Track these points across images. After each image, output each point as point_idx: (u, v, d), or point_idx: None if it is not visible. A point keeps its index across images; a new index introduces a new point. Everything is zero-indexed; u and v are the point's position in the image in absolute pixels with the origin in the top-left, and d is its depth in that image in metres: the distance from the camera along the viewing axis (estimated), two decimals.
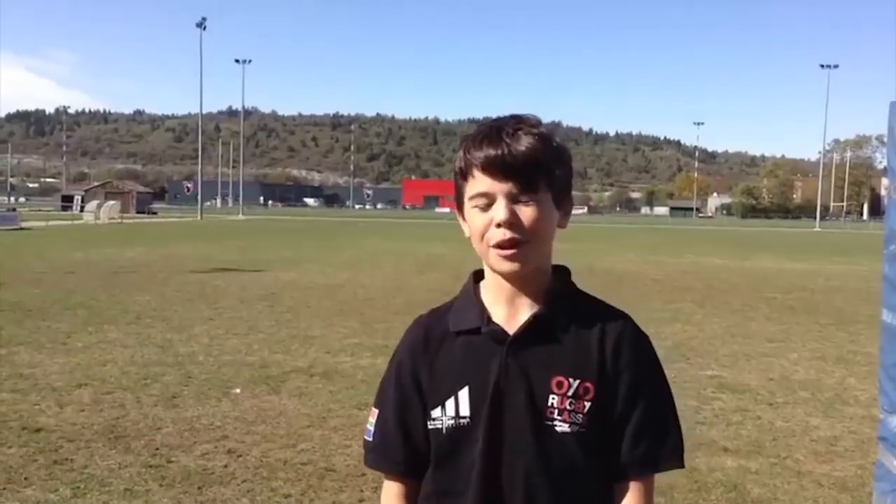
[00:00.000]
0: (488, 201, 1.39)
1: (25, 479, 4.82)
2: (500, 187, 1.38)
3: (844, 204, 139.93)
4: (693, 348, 9.80)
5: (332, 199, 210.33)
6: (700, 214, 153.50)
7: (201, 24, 78.37)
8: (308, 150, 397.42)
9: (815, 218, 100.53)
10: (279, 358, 8.67)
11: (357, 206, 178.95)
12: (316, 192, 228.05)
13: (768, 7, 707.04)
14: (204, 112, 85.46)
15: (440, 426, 1.45)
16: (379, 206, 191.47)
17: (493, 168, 1.38)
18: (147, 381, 7.44)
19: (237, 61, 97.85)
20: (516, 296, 1.46)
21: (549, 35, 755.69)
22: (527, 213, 1.38)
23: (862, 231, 76.93)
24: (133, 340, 9.49)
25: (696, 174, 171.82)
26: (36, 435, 5.68)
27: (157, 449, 5.44)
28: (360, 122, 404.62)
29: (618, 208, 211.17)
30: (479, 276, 1.55)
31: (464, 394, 1.44)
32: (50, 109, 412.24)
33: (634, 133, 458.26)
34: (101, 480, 4.82)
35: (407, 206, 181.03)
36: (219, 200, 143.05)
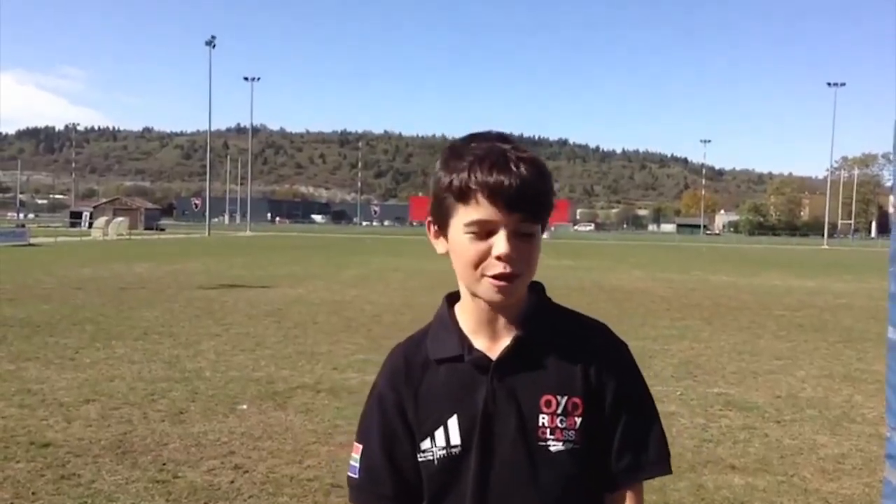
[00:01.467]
0: (488, 230, 1.33)
1: (33, 493, 4.83)
2: (504, 219, 1.32)
3: (852, 221, 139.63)
4: (700, 365, 9.78)
5: (339, 215, 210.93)
6: (707, 231, 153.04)
7: (210, 42, 79.00)
8: (315, 166, 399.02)
9: (822, 235, 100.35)
10: (286, 374, 8.69)
11: (364, 223, 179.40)
12: (323, 208, 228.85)
13: (775, 25, 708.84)
14: (212, 129, 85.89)
15: (431, 457, 1.42)
16: (386, 222, 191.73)
17: (501, 198, 1.31)
18: (154, 396, 7.46)
19: (246, 79, 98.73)
20: (496, 319, 1.44)
21: (557, 53, 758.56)
22: (526, 247, 1.35)
23: (870, 248, 76.68)
24: (140, 356, 9.52)
25: (703, 191, 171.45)
26: (43, 450, 5.70)
27: (164, 464, 5.45)
28: (368, 139, 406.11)
29: (625, 225, 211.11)
30: (451, 299, 1.52)
31: (453, 422, 1.41)
32: (59, 126, 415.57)
33: (641, 150, 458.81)
34: (108, 495, 4.83)
35: (414, 223, 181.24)
36: (226, 217, 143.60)
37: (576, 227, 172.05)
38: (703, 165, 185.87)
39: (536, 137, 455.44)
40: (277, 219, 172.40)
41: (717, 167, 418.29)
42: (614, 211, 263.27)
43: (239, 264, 28.21)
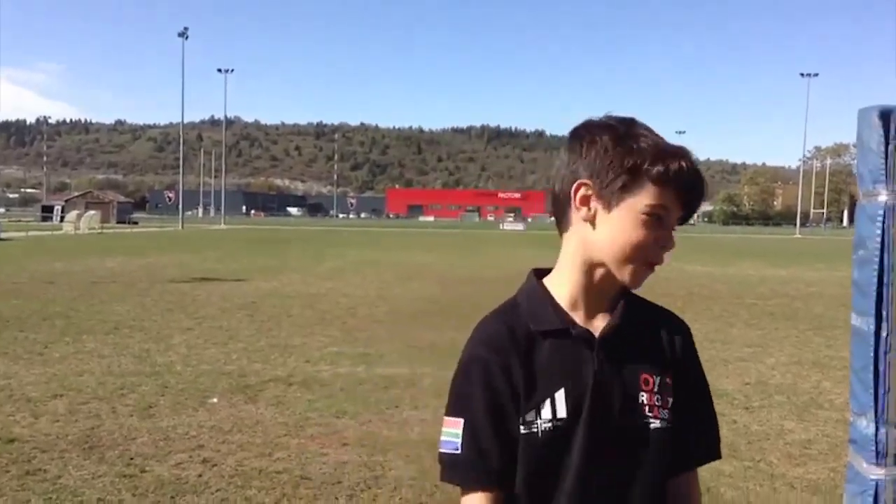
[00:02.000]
0: (661, 219, 1.38)
1: None
2: (676, 213, 1.39)
3: (824, 211, 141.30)
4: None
5: (315, 208, 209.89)
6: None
7: (183, 34, 78.13)
8: (291, 159, 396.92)
9: (795, 225, 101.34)
10: (258, 367, 8.65)
11: (340, 216, 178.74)
12: (299, 201, 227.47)
13: (750, 16, 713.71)
14: (186, 121, 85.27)
15: (535, 430, 1.39)
16: (363, 215, 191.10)
17: (685, 193, 1.38)
18: (123, 391, 7.40)
19: (219, 70, 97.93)
20: (601, 298, 1.47)
21: (533, 46, 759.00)
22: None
23: (841, 237, 77.61)
24: (110, 350, 9.43)
25: None
26: (9, 446, 5.63)
27: (132, 459, 5.41)
28: (344, 131, 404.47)
29: None
30: (538, 274, 1.53)
31: (560, 395, 1.40)
32: (31, 119, 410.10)
33: None
34: (73, 491, 4.78)
35: (391, 215, 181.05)
36: (200, 210, 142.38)
37: (552, 218, 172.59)
38: None
39: (513, 129, 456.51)
40: (252, 212, 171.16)
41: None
42: None
43: (212, 258, 28.02)
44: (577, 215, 1.42)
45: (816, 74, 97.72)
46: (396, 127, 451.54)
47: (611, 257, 1.40)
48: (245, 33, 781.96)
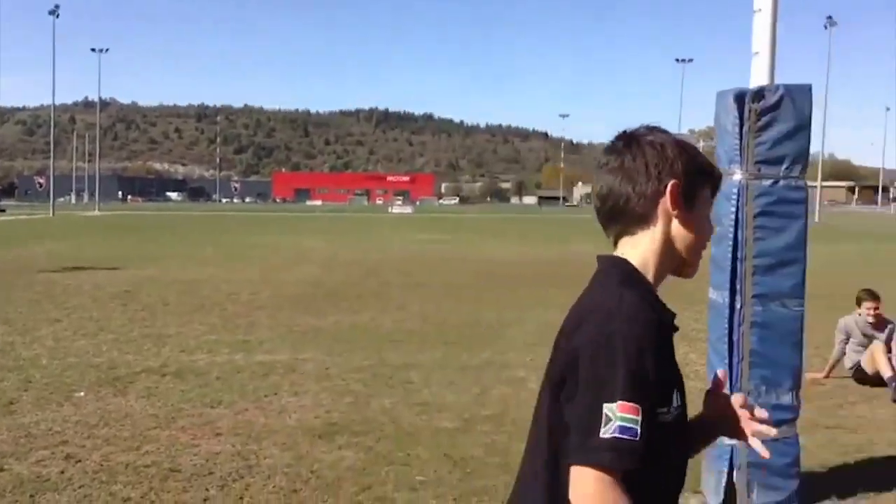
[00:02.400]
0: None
1: None
2: None
3: None
4: (554, 333, 10.04)
5: (197, 192, 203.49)
6: (567, 203, 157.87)
7: (54, 12, 74.11)
8: (171, 142, 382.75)
9: None
10: (129, 358, 8.31)
11: (224, 200, 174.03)
12: (179, 185, 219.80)
13: (629, 2, 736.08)
14: (58, 103, 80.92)
15: (670, 418, 1.45)
16: (247, 199, 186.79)
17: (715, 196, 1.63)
18: None
19: (93, 50, 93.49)
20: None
21: (419, 28, 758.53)
22: None
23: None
24: None
25: (562, 165, 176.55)
26: None
27: None
28: (227, 113, 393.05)
29: (488, 198, 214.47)
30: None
31: (679, 384, 1.51)
32: None
33: (504, 125, 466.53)
34: None
35: (277, 200, 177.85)
36: (73, 196, 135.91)
37: (441, 201, 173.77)
38: (562, 139, 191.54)
39: (402, 112, 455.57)
40: (129, 197, 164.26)
41: (575, 141, 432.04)
42: (478, 184, 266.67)
43: (86, 245, 26.75)
44: (667, 212, 1.54)
45: (691, 60, 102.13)
46: (282, 109, 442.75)
47: (692, 249, 1.58)
48: (122, 11, 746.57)
